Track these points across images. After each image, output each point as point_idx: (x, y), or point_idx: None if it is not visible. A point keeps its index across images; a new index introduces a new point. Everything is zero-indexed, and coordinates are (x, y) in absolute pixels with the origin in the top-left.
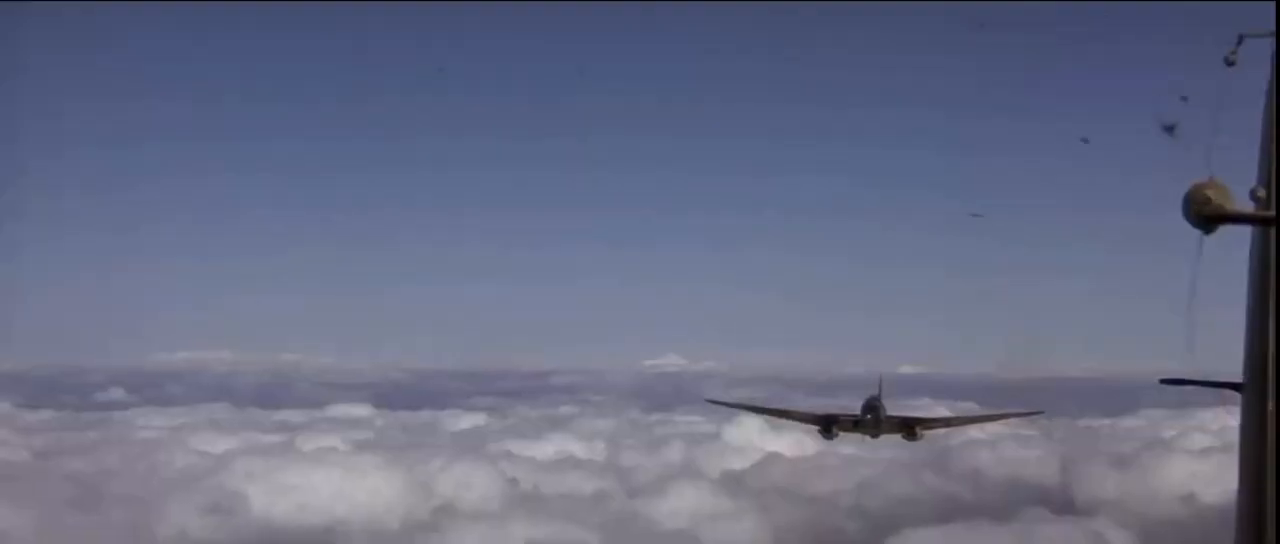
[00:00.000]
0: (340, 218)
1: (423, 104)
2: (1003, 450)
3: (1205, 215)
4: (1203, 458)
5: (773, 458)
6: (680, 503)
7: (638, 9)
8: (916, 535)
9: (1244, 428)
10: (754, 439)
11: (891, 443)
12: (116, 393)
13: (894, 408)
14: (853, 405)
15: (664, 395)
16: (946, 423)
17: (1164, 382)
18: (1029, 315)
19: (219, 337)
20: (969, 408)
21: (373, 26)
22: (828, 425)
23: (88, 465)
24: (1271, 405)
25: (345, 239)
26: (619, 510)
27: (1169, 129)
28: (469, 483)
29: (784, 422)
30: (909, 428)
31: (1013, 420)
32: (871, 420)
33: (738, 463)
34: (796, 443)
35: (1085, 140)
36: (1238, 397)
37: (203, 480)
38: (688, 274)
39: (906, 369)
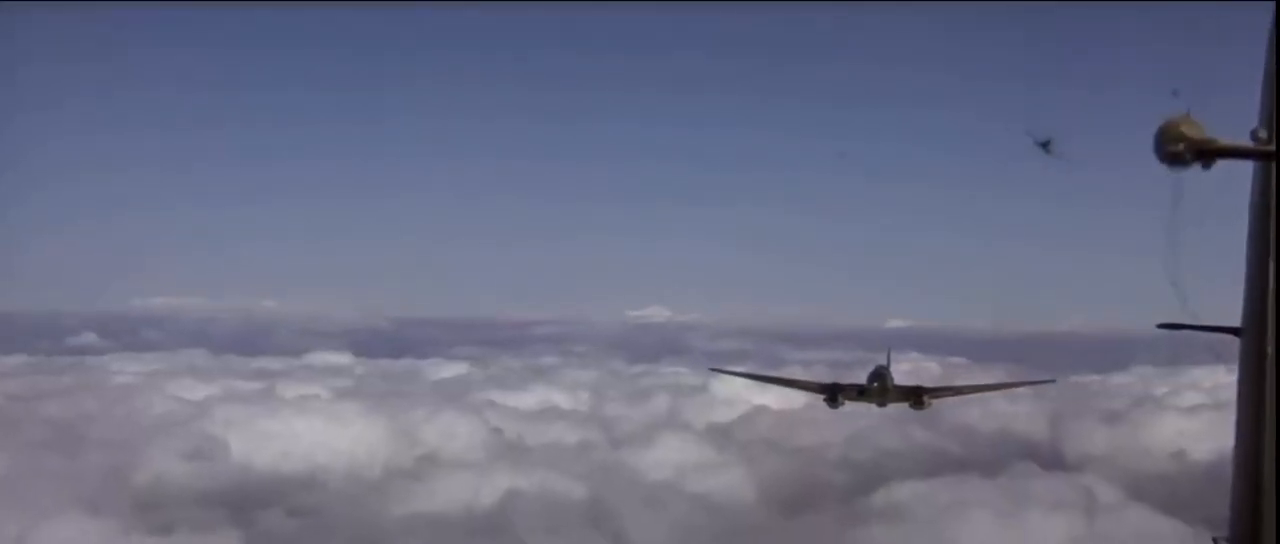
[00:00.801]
0: (318, 166)
1: (404, 55)
2: (992, 405)
3: (1198, 151)
4: (1193, 415)
5: (759, 410)
6: (665, 454)
7: None
8: (904, 488)
9: (1243, 373)
10: (740, 391)
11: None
12: (90, 338)
13: (898, 374)
14: (842, 358)
15: (648, 347)
16: (955, 391)
17: (1161, 326)
18: (1019, 272)
19: (196, 283)
20: (958, 362)
21: None
22: (833, 395)
23: (64, 410)
24: (1271, 349)
25: (324, 187)
26: (603, 461)
27: (1044, 145)
28: (452, 432)
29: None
30: (917, 396)
31: (1002, 375)
32: (878, 389)
33: (724, 415)
34: (783, 395)
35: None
36: (1236, 342)
37: (182, 426)
38: (672, 227)
39: (895, 323)
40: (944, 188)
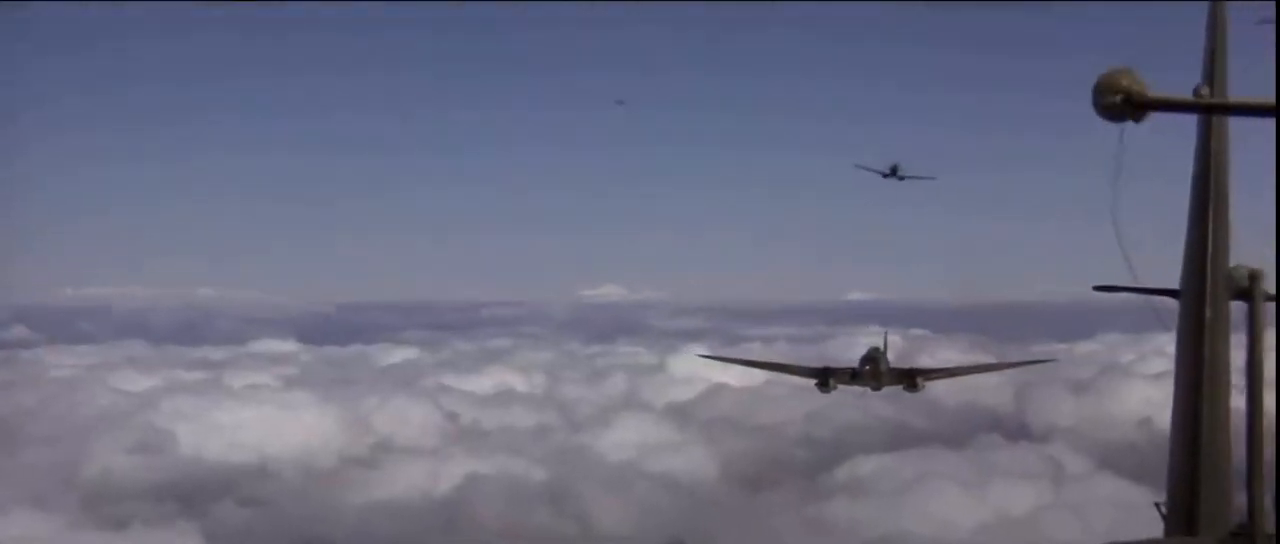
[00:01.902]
0: (252, 153)
1: (343, 42)
2: (955, 377)
3: (1134, 103)
4: (1160, 382)
5: (718, 388)
6: (625, 435)
7: None
8: (868, 462)
9: (1181, 334)
10: (699, 370)
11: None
12: (20, 330)
13: (860, 347)
14: (801, 333)
15: (604, 326)
16: (949, 373)
17: (1097, 288)
18: (980, 243)
19: (129, 272)
20: (920, 334)
21: None
22: (825, 379)
23: (0, 405)
24: (1209, 310)
25: (258, 174)
26: (562, 444)
27: (891, 172)
28: (406, 418)
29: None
30: (911, 379)
31: (966, 346)
32: (871, 372)
33: (683, 394)
34: (745, 375)
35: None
36: (1174, 304)
37: (127, 419)
38: (625, 205)
39: (855, 296)
40: (905, 159)
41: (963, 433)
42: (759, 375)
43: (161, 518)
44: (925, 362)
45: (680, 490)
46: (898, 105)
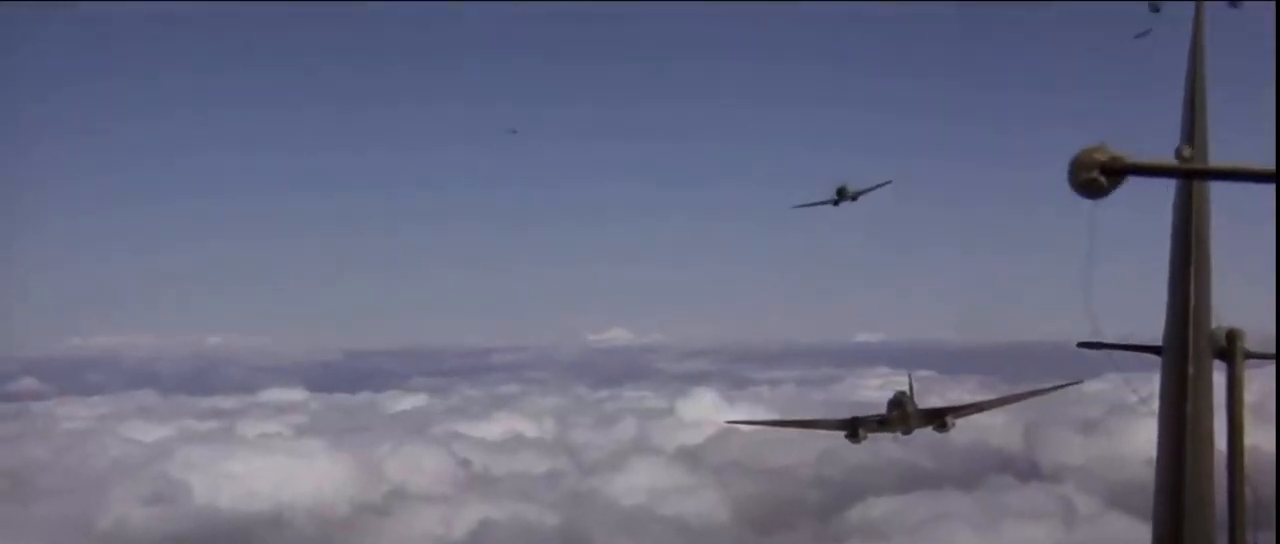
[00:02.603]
0: (257, 199)
1: (344, 79)
2: (967, 418)
3: (1109, 171)
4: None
5: (729, 431)
6: (637, 479)
7: None
8: (880, 504)
9: (1164, 390)
10: (708, 413)
11: (849, 413)
12: (30, 382)
13: (869, 389)
14: (809, 376)
15: (611, 371)
16: (978, 408)
17: (1081, 345)
18: (988, 283)
19: (136, 322)
20: (927, 375)
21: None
22: (854, 429)
23: (12, 458)
24: (1191, 368)
25: (264, 221)
26: (574, 489)
27: (841, 195)
28: (418, 465)
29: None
30: (940, 418)
31: (976, 386)
32: (899, 416)
33: (693, 437)
34: (753, 415)
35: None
36: (1157, 360)
37: (140, 470)
38: (630, 248)
39: (863, 337)
40: (908, 202)
41: (974, 474)
42: (770, 417)
43: None
44: (935, 403)
45: (693, 534)
46: (920, 143)
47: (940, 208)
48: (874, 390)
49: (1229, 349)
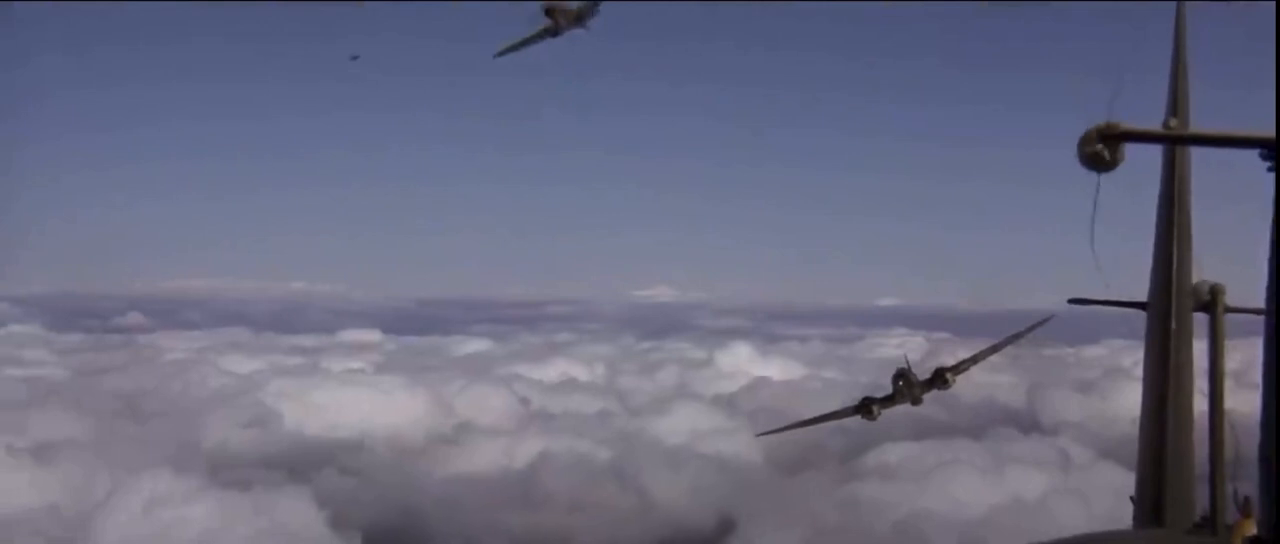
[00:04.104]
0: (334, 156)
1: (412, 48)
2: (974, 376)
3: (1116, 137)
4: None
5: (761, 381)
6: (678, 422)
7: None
8: (896, 449)
9: (1149, 344)
10: (742, 364)
11: (869, 369)
12: (135, 317)
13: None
14: (833, 333)
15: (656, 324)
16: (972, 361)
17: (1072, 301)
18: (998, 251)
19: (227, 266)
20: (942, 336)
21: None
22: (868, 409)
23: (125, 383)
24: (1174, 321)
25: (341, 176)
26: (623, 427)
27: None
28: (483, 402)
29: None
30: (940, 378)
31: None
32: (903, 388)
33: (728, 386)
34: (784, 369)
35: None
36: (1144, 315)
37: (237, 398)
38: (676, 212)
39: (884, 301)
40: (931, 177)
41: (981, 426)
42: (797, 371)
43: (275, 483)
44: (948, 361)
45: (728, 470)
46: (945, 123)
47: (952, 186)
48: (892, 348)
49: (1211, 303)
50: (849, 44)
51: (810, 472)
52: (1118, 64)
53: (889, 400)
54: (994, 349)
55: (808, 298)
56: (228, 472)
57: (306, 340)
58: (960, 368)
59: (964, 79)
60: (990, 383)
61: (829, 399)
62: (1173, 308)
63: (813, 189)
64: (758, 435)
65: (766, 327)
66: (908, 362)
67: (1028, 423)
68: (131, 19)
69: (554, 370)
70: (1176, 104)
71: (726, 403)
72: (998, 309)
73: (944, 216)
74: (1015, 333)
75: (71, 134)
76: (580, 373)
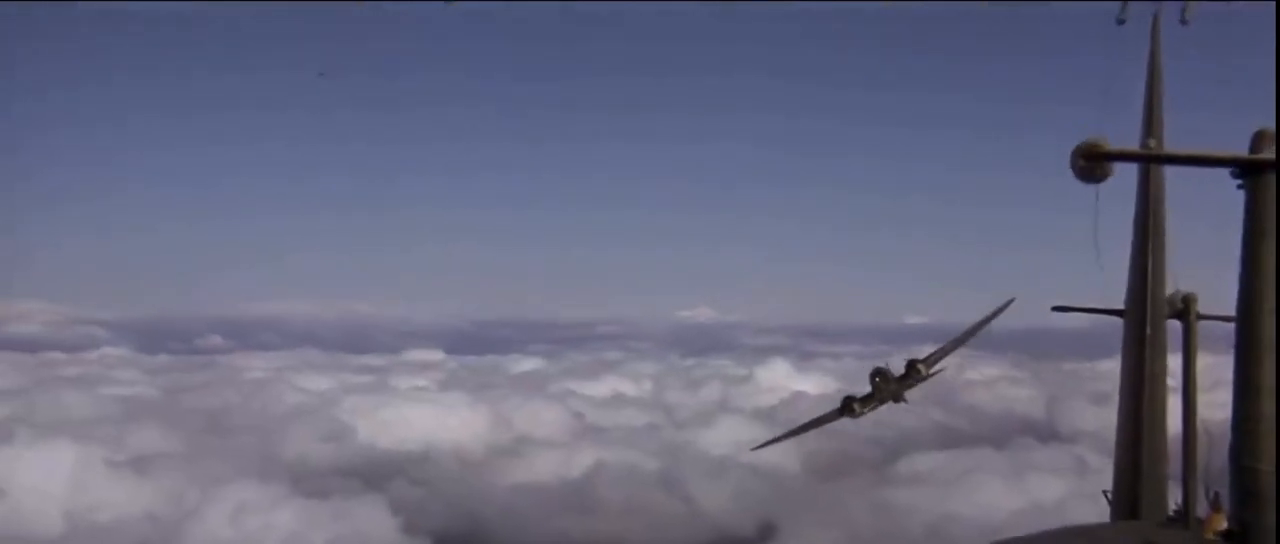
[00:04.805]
0: (393, 180)
1: (456, 78)
2: (997, 389)
3: (1098, 156)
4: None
5: (799, 396)
6: (721, 434)
7: None
8: (925, 458)
9: (1126, 348)
10: (781, 380)
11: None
12: (215, 339)
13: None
14: (863, 351)
15: (699, 342)
16: (942, 352)
17: (1055, 308)
18: (1019, 272)
19: (297, 288)
20: (964, 352)
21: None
22: (850, 408)
23: (211, 401)
24: (1149, 327)
25: (400, 200)
26: (670, 439)
27: None
28: (539, 417)
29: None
30: (914, 371)
31: (1007, 364)
32: (881, 384)
33: (768, 400)
34: (819, 384)
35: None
36: (1120, 323)
37: (313, 414)
38: (717, 235)
39: (912, 319)
40: (954, 199)
41: (1003, 435)
42: (833, 386)
43: (352, 492)
44: (970, 375)
45: (769, 479)
46: (972, 150)
47: (984, 208)
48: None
49: (1185, 310)
50: (880, 76)
51: (845, 479)
52: (1098, 83)
53: (869, 398)
54: (960, 340)
55: (840, 316)
56: (308, 482)
57: (374, 360)
58: (931, 359)
59: (992, 108)
60: (1010, 395)
61: (862, 418)
62: (1148, 315)
63: (849, 210)
64: (753, 449)
65: (802, 344)
66: (886, 364)
67: (1047, 432)
68: (197, 48)
69: (605, 387)
70: (1151, 124)
71: (766, 416)
72: (1019, 326)
73: (975, 236)
74: (978, 323)
75: (129, 157)
76: (629, 389)
